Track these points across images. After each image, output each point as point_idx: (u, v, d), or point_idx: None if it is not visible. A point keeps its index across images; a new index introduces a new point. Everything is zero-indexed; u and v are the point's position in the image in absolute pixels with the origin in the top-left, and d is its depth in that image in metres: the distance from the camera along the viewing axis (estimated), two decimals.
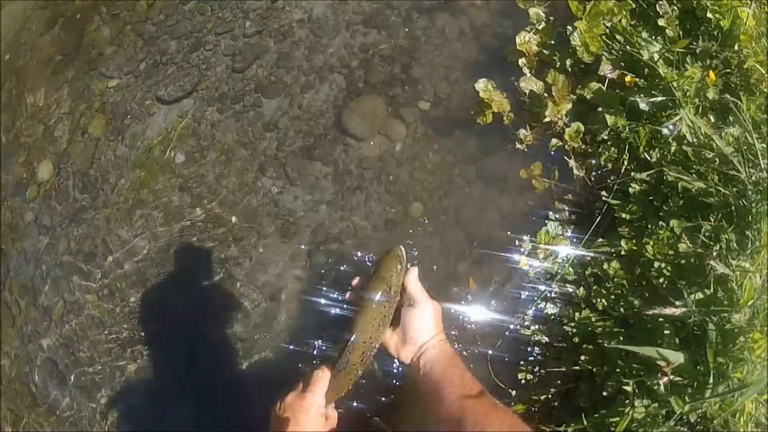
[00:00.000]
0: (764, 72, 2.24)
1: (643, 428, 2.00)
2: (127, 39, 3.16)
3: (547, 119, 2.48)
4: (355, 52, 2.86)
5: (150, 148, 2.91)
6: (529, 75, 2.55)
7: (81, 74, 3.18)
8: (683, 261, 2.17)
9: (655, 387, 1.97)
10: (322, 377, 1.75)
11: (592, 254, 2.37)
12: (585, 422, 2.16)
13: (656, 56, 2.32)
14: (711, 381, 1.90)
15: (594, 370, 2.24)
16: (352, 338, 1.81)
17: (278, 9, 2.99)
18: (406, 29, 2.84)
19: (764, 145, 2.11)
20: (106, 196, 2.90)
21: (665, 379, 1.91)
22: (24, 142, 3.15)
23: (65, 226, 2.91)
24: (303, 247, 2.65)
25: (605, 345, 2.21)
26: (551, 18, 2.62)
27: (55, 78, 3.22)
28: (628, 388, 2.04)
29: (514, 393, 2.37)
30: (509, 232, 2.52)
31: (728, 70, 2.29)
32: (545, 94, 2.50)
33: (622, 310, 2.25)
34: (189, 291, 2.72)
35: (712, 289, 2.02)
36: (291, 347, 2.54)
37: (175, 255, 2.75)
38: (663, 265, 2.19)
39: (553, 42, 2.58)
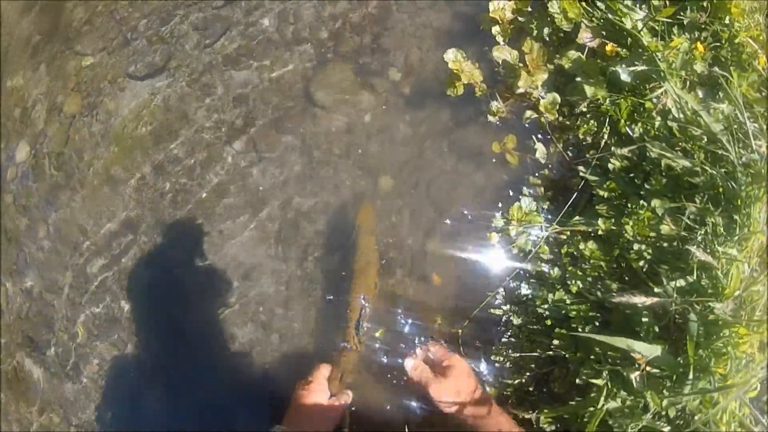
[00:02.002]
0: (758, 48, 1.84)
1: (619, 421, 1.68)
2: (100, 18, 2.78)
3: (520, 90, 2.08)
4: (325, 21, 2.45)
5: (123, 125, 2.55)
6: (503, 44, 2.14)
7: (58, 54, 2.80)
8: (665, 244, 1.81)
9: (631, 379, 1.65)
10: (323, 369, 1.91)
11: (567, 232, 2.01)
12: (558, 411, 1.86)
13: (640, 24, 1.91)
14: (691, 376, 1.58)
15: (567, 356, 1.89)
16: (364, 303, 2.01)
17: None
18: None
19: (756, 125, 1.73)
20: (81, 174, 2.55)
21: (637, 373, 1.59)
22: (3, 123, 2.79)
23: (42, 207, 2.58)
24: (273, 222, 2.31)
25: (579, 330, 1.88)
26: None
27: (33, 60, 2.86)
28: (600, 381, 1.72)
29: (485, 376, 2.05)
30: (481, 208, 2.17)
31: (718, 44, 1.90)
32: (520, 64, 2.10)
33: (598, 293, 1.90)
34: (162, 269, 2.39)
35: (695, 276, 1.68)
36: (262, 327, 2.24)
37: (147, 233, 2.41)
38: (643, 247, 1.84)
39: (530, 9, 2.15)
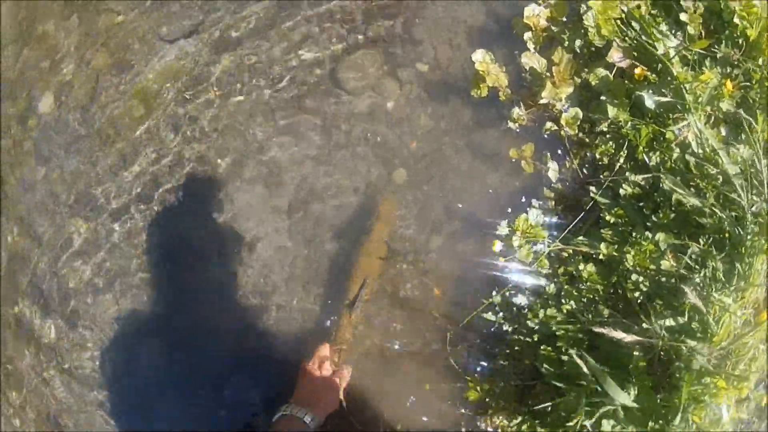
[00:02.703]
0: None
1: None
2: None
3: (544, 101, 2.02)
4: (359, 2, 2.37)
5: (148, 84, 2.52)
6: (533, 51, 2.07)
7: (89, 7, 2.71)
8: (663, 278, 1.76)
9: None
10: (324, 350, 1.96)
11: (570, 250, 1.97)
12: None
13: (672, 52, 1.83)
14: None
15: (549, 373, 1.88)
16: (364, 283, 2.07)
17: None
18: None
19: None
20: (103, 129, 2.53)
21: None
22: (29, 74, 2.73)
23: (62, 157, 2.56)
24: (285, 198, 2.30)
25: (564, 350, 1.86)
26: None
27: (64, 10, 2.76)
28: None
29: (468, 379, 2.05)
30: (491, 211, 2.13)
31: (748, 84, 1.81)
32: (547, 74, 2.03)
33: (590, 316, 1.87)
34: (172, 230, 2.39)
35: (686, 318, 1.64)
36: (261, 295, 2.25)
37: (162, 193, 2.40)
38: (641, 278, 1.80)
39: (565, 19, 2.07)
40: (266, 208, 2.30)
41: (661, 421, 1.59)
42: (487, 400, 2.02)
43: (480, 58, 2.07)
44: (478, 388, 2.02)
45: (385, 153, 2.25)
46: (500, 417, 1.99)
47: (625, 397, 1.53)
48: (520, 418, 1.93)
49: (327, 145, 2.29)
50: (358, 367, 2.07)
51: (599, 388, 1.64)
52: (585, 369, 1.62)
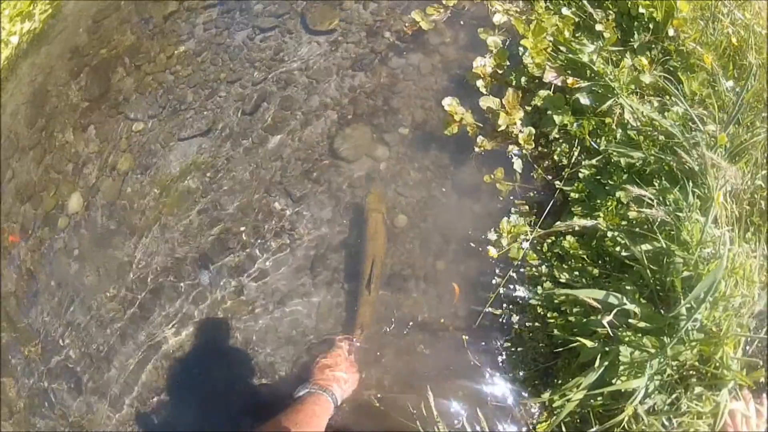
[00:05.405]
0: (701, 49, 2.04)
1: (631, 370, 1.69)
2: (149, 87, 3.06)
3: (501, 128, 2.29)
4: (345, 92, 2.72)
5: (172, 179, 2.78)
6: (487, 94, 2.37)
7: (107, 118, 3.04)
8: (636, 229, 1.89)
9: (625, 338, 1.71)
10: (343, 340, 2.12)
11: (552, 238, 2.12)
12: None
13: (594, 56, 2.13)
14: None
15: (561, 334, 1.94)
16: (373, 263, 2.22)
17: (279, 59, 2.91)
18: (387, 69, 2.72)
19: (706, 112, 1.92)
20: (132, 221, 2.75)
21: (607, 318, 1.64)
22: (54, 177, 3.01)
23: (93, 250, 2.76)
24: (306, 257, 2.45)
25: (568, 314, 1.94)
26: (507, 41, 2.48)
27: (82, 121, 3.09)
28: (589, 343, 1.76)
29: (495, 375, 2.09)
30: (480, 230, 2.30)
31: (668, 57, 2.10)
32: (501, 108, 2.32)
33: (583, 280, 1.97)
34: (204, 300, 2.51)
35: (663, 244, 1.75)
36: (295, 347, 2.32)
37: (191, 267, 2.57)
38: (617, 233, 1.92)
39: (508, 63, 2.41)
40: (290, 267, 2.44)
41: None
42: (518, 388, 2.05)
43: (448, 102, 2.36)
44: (506, 377, 2.06)
45: (386, 204, 2.41)
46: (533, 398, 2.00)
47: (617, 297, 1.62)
48: (548, 392, 1.94)
49: (336, 207, 2.49)
50: (384, 382, 2.14)
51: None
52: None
